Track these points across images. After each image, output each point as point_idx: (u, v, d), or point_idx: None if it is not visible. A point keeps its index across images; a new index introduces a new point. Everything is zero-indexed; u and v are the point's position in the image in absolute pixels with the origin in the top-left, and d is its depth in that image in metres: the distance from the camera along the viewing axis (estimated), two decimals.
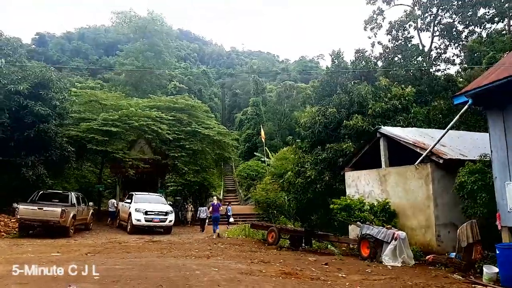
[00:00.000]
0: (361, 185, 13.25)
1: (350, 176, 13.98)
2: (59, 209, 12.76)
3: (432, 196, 10.44)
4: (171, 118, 21.65)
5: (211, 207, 16.94)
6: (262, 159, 38.69)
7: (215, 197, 18.83)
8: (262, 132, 37.17)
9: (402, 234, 9.83)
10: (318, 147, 17.28)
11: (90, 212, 16.40)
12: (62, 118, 16.58)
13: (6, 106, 14.35)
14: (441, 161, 10.33)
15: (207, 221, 18.59)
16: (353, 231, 13.09)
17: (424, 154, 10.66)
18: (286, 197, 20.57)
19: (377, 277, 7.90)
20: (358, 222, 11.34)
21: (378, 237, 10.08)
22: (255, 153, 43.25)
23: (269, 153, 36.53)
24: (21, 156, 14.39)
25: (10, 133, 14.59)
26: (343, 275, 8.00)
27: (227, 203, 24.96)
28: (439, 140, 10.61)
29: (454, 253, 9.21)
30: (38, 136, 14.81)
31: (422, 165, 10.87)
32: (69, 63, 74.30)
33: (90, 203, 16.58)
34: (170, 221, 16.16)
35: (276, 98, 49.87)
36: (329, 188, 16.41)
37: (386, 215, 11.39)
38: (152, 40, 48.29)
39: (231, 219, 20.38)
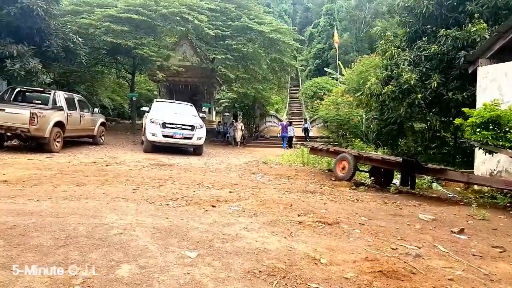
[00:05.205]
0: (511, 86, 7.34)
1: (489, 73, 8.04)
2: (27, 112, 8.82)
3: None
4: (214, 7, 16.25)
5: (280, 127, 19.74)
6: (334, 76, 32.32)
7: (284, 117, 19.90)
8: (336, 36, 29.98)
9: None
10: (423, 38, 11.15)
11: (99, 122, 12.54)
12: None
13: None
14: None
15: (294, 139, 19.58)
16: (484, 164, 7.69)
17: None
18: (364, 115, 15.04)
19: None
20: (510, 150, 6.06)
21: None
22: (325, 68, 36.69)
23: (343, 68, 29.77)
24: (4, 44, 10.69)
25: None
26: None
27: (305, 122, 24.69)
28: None
29: None
30: (24, 17, 10.89)
31: None
32: None
33: (96, 109, 12.65)
34: (199, 138, 11.66)
35: (356, 1, 40.57)
36: (436, 99, 10.68)
37: None
38: None
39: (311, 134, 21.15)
